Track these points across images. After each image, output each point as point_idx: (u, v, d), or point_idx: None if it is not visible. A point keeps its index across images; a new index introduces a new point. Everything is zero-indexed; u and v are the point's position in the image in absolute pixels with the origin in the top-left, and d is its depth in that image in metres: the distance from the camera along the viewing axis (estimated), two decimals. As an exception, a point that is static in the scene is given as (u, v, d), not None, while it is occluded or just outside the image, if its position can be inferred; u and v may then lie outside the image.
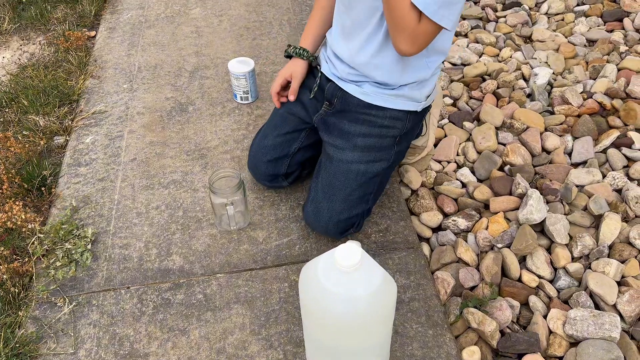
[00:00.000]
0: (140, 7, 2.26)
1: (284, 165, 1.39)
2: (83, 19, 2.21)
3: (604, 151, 1.55)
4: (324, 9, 1.38)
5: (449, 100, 1.77)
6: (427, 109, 1.33)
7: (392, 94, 1.24)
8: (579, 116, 1.65)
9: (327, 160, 1.30)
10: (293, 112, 1.39)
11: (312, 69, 1.40)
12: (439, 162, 1.58)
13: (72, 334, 1.18)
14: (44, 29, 2.17)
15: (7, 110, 1.77)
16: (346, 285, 0.87)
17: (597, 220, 1.37)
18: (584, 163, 1.53)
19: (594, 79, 1.78)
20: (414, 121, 1.31)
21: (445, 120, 1.69)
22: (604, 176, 1.48)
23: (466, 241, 1.37)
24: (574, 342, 1.17)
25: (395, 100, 1.25)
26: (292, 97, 1.38)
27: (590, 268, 1.28)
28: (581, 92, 1.72)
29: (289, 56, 1.41)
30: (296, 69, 1.39)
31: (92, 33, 2.14)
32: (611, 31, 1.99)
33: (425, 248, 1.38)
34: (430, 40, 1.10)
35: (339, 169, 1.27)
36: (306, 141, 1.39)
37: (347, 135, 1.28)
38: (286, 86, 1.43)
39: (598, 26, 2.03)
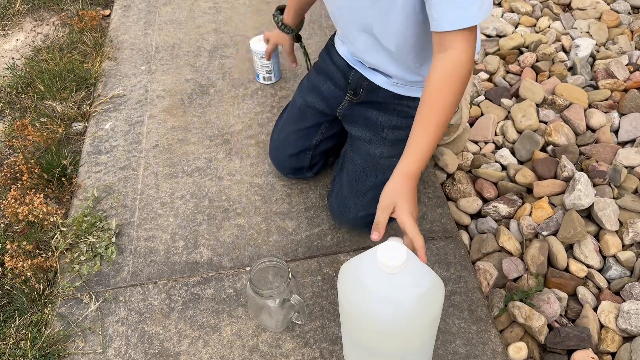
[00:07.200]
0: (155, -17, 2.16)
1: (307, 158, 1.31)
2: (97, -4, 2.12)
3: (654, 128, 1.45)
4: None
5: (484, 75, 1.66)
6: None
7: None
8: (625, 91, 1.54)
9: (354, 152, 1.21)
10: (312, 104, 1.29)
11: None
12: (476, 142, 1.49)
13: (100, 333, 1.14)
14: (57, 9, 2.10)
15: (23, 96, 1.71)
16: (391, 288, 0.80)
17: (650, 204, 1.28)
18: (632, 142, 1.43)
19: (640, 49, 1.67)
20: None
21: (482, 97, 1.59)
22: (655, 156, 1.37)
23: (508, 229, 1.29)
24: (628, 337, 1.10)
25: None
26: (293, 65, 1.51)
27: (643, 256, 1.20)
28: (627, 64, 1.61)
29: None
30: (284, 41, 1.47)
31: (107, 12, 2.06)
32: (657, -4, 1.85)
33: (464, 236, 1.30)
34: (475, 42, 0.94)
35: (367, 164, 1.18)
36: (328, 132, 1.30)
37: (375, 127, 1.18)
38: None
39: (642, -9, 1.89)
